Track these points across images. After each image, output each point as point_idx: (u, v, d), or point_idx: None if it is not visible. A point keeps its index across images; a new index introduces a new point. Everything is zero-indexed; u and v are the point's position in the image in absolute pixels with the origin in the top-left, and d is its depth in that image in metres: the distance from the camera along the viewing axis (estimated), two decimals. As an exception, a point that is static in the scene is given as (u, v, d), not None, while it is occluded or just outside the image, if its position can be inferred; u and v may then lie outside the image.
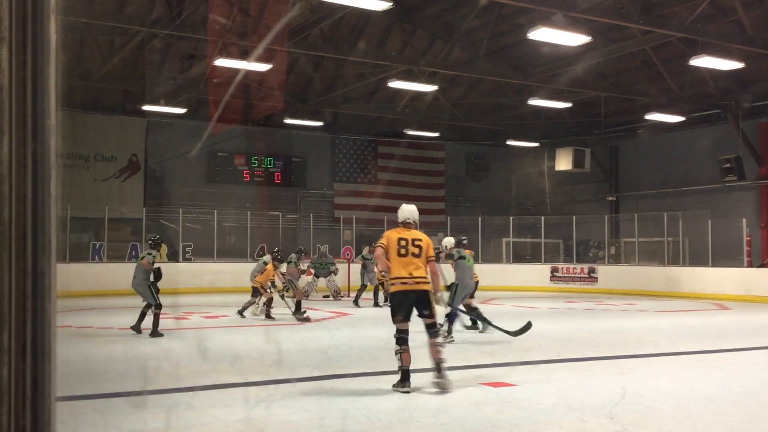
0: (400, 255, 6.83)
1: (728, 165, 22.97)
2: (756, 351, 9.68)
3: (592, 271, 23.63)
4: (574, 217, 24.69)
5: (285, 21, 15.80)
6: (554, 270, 24.28)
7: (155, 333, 10.72)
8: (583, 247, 26.36)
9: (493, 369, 8.09)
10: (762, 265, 21.28)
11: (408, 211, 7.16)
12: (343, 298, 19.18)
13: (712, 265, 20.77)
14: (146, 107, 22.05)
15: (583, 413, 5.92)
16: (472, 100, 24.60)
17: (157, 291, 11.04)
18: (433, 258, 7.01)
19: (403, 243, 6.87)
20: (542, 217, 26.04)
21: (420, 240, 6.95)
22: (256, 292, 13.89)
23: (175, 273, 20.34)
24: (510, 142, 27.93)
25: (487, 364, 8.38)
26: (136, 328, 10.95)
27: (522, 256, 26.60)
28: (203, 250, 22.82)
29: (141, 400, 6.46)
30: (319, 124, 25.61)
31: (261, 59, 17.27)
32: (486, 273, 24.07)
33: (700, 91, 21.69)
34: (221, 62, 17.11)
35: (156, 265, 11.17)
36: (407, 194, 28.96)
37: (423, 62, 19.71)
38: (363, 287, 17.46)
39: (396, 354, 6.76)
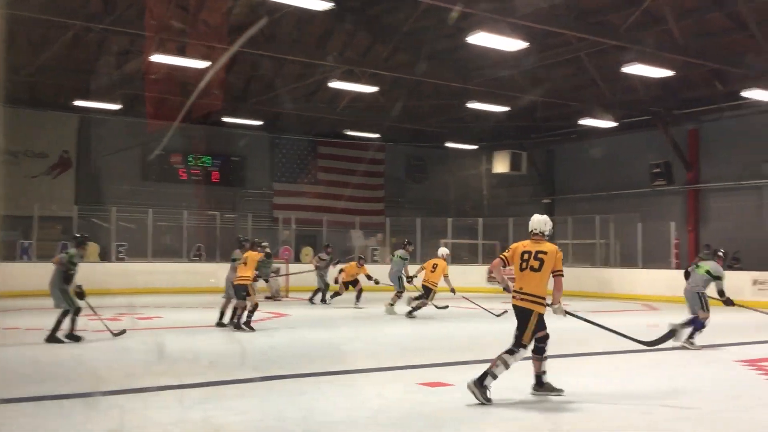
0: (521, 269, 6.60)
1: (658, 170, 23.75)
2: (682, 351, 10.02)
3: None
4: (510, 219, 25.09)
5: (246, 36, 15.62)
6: (491, 271, 24.65)
7: (72, 336, 10.01)
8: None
9: (432, 369, 8.16)
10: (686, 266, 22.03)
11: (535, 221, 6.80)
12: (282, 299, 19.08)
13: (642, 267, 21.43)
14: (79, 103, 21.43)
15: (522, 412, 6.04)
16: (413, 102, 24.76)
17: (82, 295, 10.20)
18: (560, 272, 6.57)
19: (525, 257, 6.60)
20: (480, 219, 26.41)
21: (544, 253, 6.58)
22: (238, 293, 11.98)
23: (106, 273, 19.88)
24: (449, 145, 28.23)
25: (425, 365, 8.45)
26: (52, 339, 9.91)
27: (460, 257, 26.90)
28: (137, 250, 22.31)
29: (71, 404, 6.30)
30: (259, 123, 25.35)
31: (199, 56, 17.01)
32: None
33: (633, 98, 22.34)
34: (158, 58, 16.77)
35: (78, 284, 10.19)
36: (347, 195, 28.99)
37: (364, 63, 19.75)
38: (326, 285, 18.00)
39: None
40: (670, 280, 20.84)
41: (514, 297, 6.59)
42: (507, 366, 6.37)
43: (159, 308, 15.35)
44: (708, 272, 10.10)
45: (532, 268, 6.50)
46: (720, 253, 10.44)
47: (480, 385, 6.23)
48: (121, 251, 22.21)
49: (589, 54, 19.45)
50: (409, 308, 14.84)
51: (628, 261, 22.53)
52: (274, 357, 9.18)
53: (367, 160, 29.67)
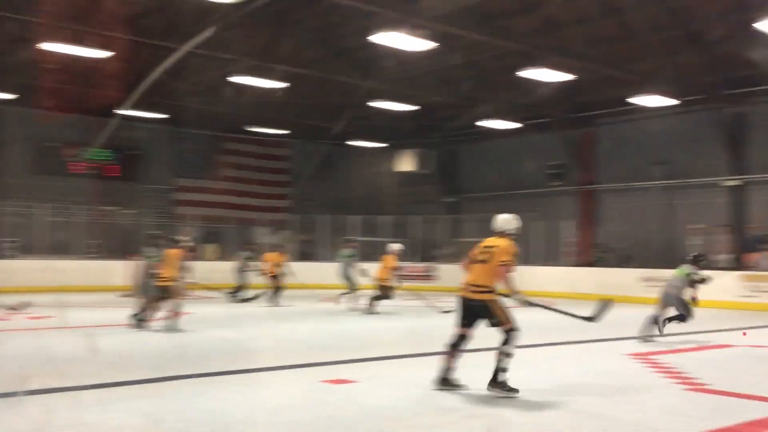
0: (473, 262, 6.84)
1: (554, 171, 24.68)
2: (576, 345, 10.47)
3: (430, 269, 24.48)
4: (416, 217, 25.47)
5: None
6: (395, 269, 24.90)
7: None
8: (426, 246, 27.23)
9: (335, 366, 8.18)
10: (583, 264, 23.00)
11: (496, 219, 7.04)
12: (186, 297, 18.62)
13: (539, 264, 22.20)
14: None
15: (423, 407, 6.15)
16: (320, 99, 24.69)
17: None
18: (506, 262, 6.62)
19: (478, 251, 6.86)
20: (386, 217, 26.66)
21: (494, 246, 6.74)
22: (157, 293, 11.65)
23: (-5, 271, 18.87)
24: (357, 143, 28.33)
25: (327, 362, 8.46)
26: None
27: (366, 255, 27.08)
28: (28, 246, 21.28)
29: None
30: (162, 116, 24.65)
31: (97, 46, 16.39)
32: (331, 272, 24.30)
33: (533, 101, 23.08)
34: (53, 47, 16.04)
35: None
36: (251, 191, 28.63)
37: (269, 58, 19.54)
38: (243, 284, 18.05)
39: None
40: (564, 277, 21.76)
41: (464, 290, 6.76)
42: (509, 355, 6.55)
43: (51, 307, 14.69)
44: (688, 275, 10.88)
45: (480, 261, 6.75)
46: (696, 257, 11.33)
47: (496, 384, 6.53)
48: (10, 247, 21.14)
49: (493, 57, 19.96)
50: (366, 305, 15.30)
51: (526, 258, 23.27)
52: (175, 356, 8.98)
53: (273, 157, 29.41)
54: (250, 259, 18.57)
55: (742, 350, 10.07)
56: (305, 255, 26.47)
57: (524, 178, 26.11)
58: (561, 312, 7.38)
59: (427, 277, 24.31)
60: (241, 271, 18.25)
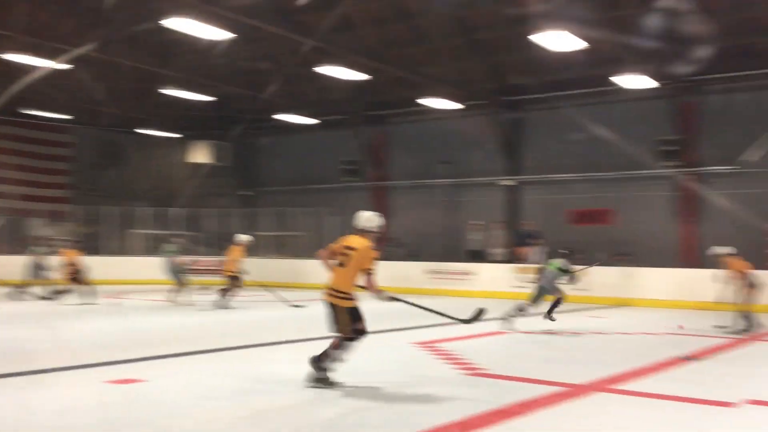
0: (336, 264, 6.65)
1: (348, 167, 25.29)
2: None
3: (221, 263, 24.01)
4: (210, 210, 24.87)
5: None
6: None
7: None
8: (221, 240, 26.68)
9: (123, 365, 7.79)
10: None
11: (357, 216, 6.87)
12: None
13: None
14: None
15: (214, 402, 6.06)
16: (107, 83, 23.26)
17: None
18: (370, 270, 6.57)
19: (339, 251, 6.66)
20: (178, 209, 25.75)
21: (353, 249, 6.59)
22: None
23: None
24: (148, 131, 27.06)
25: (116, 361, 8.03)
26: None
27: (157, 248, 25.98)
28: None
29: None
30: None
31: None
32: (116, 266, 23.07)
33: (331, 97, 23.48)
34: None
35: None
36: (26, 180, 26.32)
37: (50, 37, 18.07)
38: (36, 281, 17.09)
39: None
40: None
41: (325, 294, 6.66)
42: (335, 359, 6.59)
43: None
44: (559, 268, 12.06)
45: (339, 264, 6.61)
46: (566, 252, 12.50)
47: (317, 363, 6.55)
48: None
49: (290, 51, 20.01)
50: (217, 299, 15.03)
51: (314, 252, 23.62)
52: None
53: (50, 142, 27.22)
54: (43, 253, 17.19)
55: (515, 337, 11.00)
56: (89, 249, 24.84)
57: (320, 174, 26.48)
58: (434, 312, 7.49)
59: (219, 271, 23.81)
60: (38, 267, 16.86)
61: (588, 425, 5.49)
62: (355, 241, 6.70)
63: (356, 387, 6.68)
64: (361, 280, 6.64)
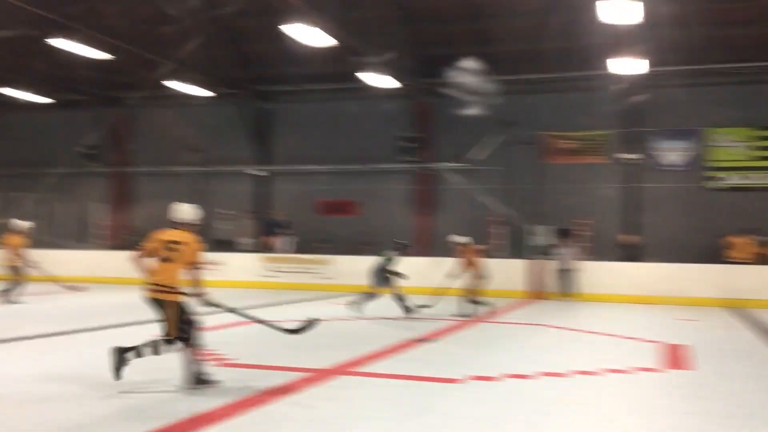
0: (158, 260, 6.38)
1: (87, 151, 23.58)
2: (104, 330, 10.25)
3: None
4: None
5: None
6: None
7: None
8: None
9: None
10: (114, 247, 22.49)
11: (173, 210, 6.67)
12: None
13: (68, 248, 21.02)
14: None
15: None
16: None
17: None
18: (199, 264, 6.41)
19: (161, 247, 6.41)
20: None
21: (179, 243, 6.40)
22: None
23: None
24: None
25: None
26: None
27: None
28: None
29: None
30: None
31: None
32: None
33: (70, 75, 21.63)
34: None
35: None
36: None
37: None
38: None
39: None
40: (93, 261, 21.01)
41: (148, 289, 6.33)
42: (156, 352, 6.33)
43: None
44: (388, 259, 12.72)
45: (165, 259, 6.36)
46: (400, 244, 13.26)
47: (119, 354, 6.29)
48: None
49: (22, 23, 18.16)
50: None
51: (55, 241, 21.81)
52: None
53: None
54: None
55: (261, 327, 11.05)
56: None
57: (54, 157, 24.30)
58: (260, 321, 7.25)
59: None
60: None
61: (329, 407, 5.72)
62: (178, 235, 6.51)
63: (99, 384, 6.31)
64: (187, 275, 6.41)
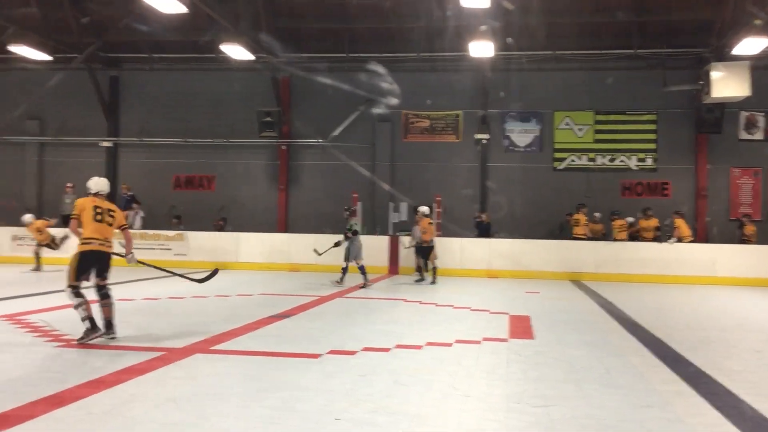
0: (96, 221, 7.55)
1: None
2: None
3: None
4: None
5: None
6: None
7: None
8: None
9: None
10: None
11: (101, 183, 7.85)
12: None
13: None
14: None
15: None
16: None
17: None
18: (127, 226, 8.03)
19: (99, 210, 7.60)
20: None
21: (114, 211, 7.79)
22: None
23: None
24: None
25: None
26: None
27: None
28: None
29: None
30: None
31: None
32: None
33: None
34: None
35: None
36: None
37: None
38: None
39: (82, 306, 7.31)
40: None
41: (90, 243, 7.45)
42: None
43: None
44: (350, 228, 14.12)
45: (108, 223, 7.65)
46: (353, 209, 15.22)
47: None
48: None
49: None
50: None
51: None
52: None
53: None
54: None
55: (133, 304, 10.62)
56: None
57: None
58: (171, 273, 8.62)
59: None
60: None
61: (182, 386, 5.60)
62: (105, 204, 7.74)
63: None
64: (125, 239, 7.96)
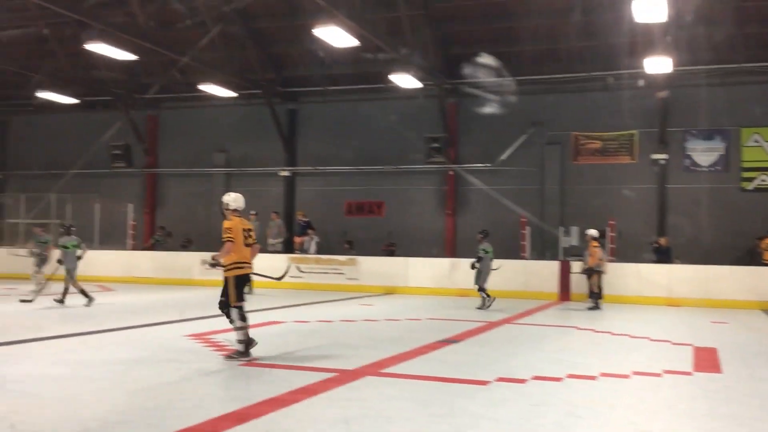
0: (246, 245, 7.88)
1: (118, 152, 23.86)
2: (134, 329, 10.37)
3: None
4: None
5: None
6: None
7: None
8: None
9: None
10: (144, 248, 22.76)
11: (242, 199, 8.09)
12: None
13: (99, 248, 21.30)
14: None
15: None
16: None
17: None
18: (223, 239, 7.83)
19: (247, 234, 7.88)
20: None
21: (251, 230, 8.03)
22: None
23: None
24: None
25: None
26: None
27: None
28: None
29: None
30: None
31: None
32: None
33: (96, 77, 21.96)
34: None
35: None
36: None
37: None
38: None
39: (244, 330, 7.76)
40: (124, 261, 21.26)
41: (243, 268, 7.83)
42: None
43: None
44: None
45: (250, 245, 7.97)
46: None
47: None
48: None
49: (52, 25, 18.45)
50: None
51: (85, 242, 22.11)
52: None
53: None
54: None
55: (288, 326, 11.12)
56: None
57: (84, 158, 24.64)
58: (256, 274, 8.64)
59: None
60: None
61: (355, 408, 5.70)
62: (247, 224, 7.98)
63: (131, 381, 6.37)
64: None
